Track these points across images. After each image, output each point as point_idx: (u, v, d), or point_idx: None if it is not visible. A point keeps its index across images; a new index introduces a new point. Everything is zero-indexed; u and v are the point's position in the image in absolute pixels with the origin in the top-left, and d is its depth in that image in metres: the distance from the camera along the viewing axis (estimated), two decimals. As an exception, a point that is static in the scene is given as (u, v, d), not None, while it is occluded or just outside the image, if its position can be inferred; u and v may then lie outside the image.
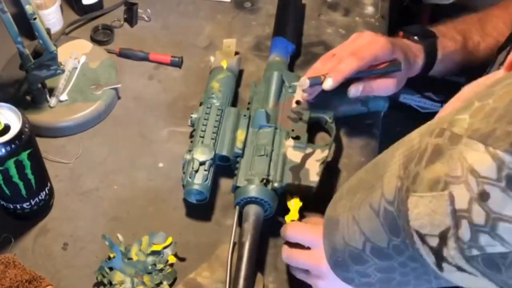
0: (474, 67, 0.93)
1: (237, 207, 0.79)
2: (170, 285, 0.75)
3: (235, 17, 1.10)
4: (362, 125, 0.94)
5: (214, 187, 0.85)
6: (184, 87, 0.99)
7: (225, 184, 0.85)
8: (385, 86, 0.84)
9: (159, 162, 0.89)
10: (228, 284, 0.73)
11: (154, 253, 0.76)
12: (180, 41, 0.95)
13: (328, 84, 0.80)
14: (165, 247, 0.77)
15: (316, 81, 0.81)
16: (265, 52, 1.03)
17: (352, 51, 0.82)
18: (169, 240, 0.77)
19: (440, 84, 1.90)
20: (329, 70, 0.81)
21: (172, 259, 0.76)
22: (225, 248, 0.78)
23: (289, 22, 1.00)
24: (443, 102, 1.86)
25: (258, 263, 0.76)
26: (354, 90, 0.83)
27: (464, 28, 0.94)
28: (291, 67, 0.98)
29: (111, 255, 0.75)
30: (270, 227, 0.78)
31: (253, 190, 0.77)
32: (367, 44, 0.82)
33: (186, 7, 1.12)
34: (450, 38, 0.91)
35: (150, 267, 0.74)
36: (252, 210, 0.77)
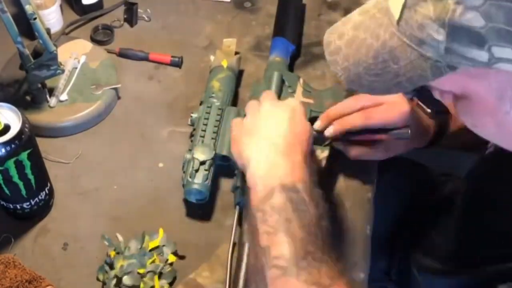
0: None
1: (237, 206, 0.79)
2: (170, 284, 0.75)
3: (235, 17, 1.10)
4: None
5: (214, 187, 0.85)
6: (184, 87, 0.99)
7: (225, 184, 0.84)
8: (373, 154, 0.83)
9: (159, 162, 0.89)
10: (228, 284, 0.73)
11: (153, 250, 0.76)
12: (180, 41, 0.95)
13: (329, 131, 0.80)
14: (163, 245, 0.77)
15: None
16: (265, 52, 1.03)
17: (367, 110, 0.79)
18: (161, 233, 0.77)
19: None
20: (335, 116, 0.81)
21: (172, 259, 0.76)
22: (225, 248, 0.78)
23: (289, 22, 1.01)
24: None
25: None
26: (329, 133, 0.81)
27: None
28: (291, 67, 0.98)
29: (111, 254, 0.74)
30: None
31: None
32: (386, 107, 0.79)
33: (186, 7, 1.12)
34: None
35: (148, 264, 0.74)
36: None
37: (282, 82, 0.90)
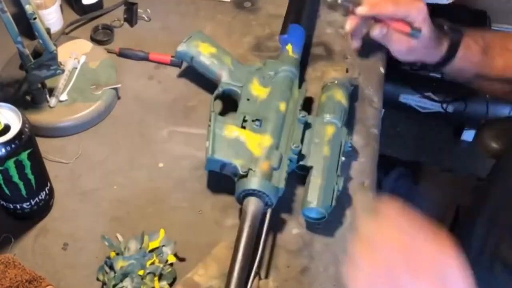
0: (486, 78, 0.94)
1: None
2: (170, 284, 0.75)
3: (235, 17, 1.10)
4: (362, 125, 0.94)
5: (214, 187, 0.85)
6: (184, 87, 0.99)
7: (225, 184, 0.84)
8: (399, 44, 0.91)
9: (159, 162, 0.89)
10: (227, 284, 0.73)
11: (153, 250, 0.76)
12: (180, 41, 0.95)
13: (361, 10, 0.89)
14: (163, 245, 0.77)
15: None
16: (265, 52, 1.04)
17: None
18: (162, 233, 0.76)
19: (440, 84, 1.90)
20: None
21: (171, 259, 0.76)
22: (220, 246, 0.78)
23: (305, 8, 1.01)
24: (443, 102, 1.87)
25: (258, 263, 0.75)
26: (379, 31, 0.90)
27: (489, 36, 0.97)
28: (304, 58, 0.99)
29: (111, 255, 0.74)
30: (270, 226, 0.78)
31: (254, 183, 0.77)
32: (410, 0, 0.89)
33: (186, 7, 1.12)
34: (474, 40, 0.94)
35: (148, 264, 0.74)
36: (251, 204, 0.77)
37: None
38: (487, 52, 0.94)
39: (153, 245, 0.76)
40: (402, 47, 0.91)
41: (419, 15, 0.88)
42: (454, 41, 0.93)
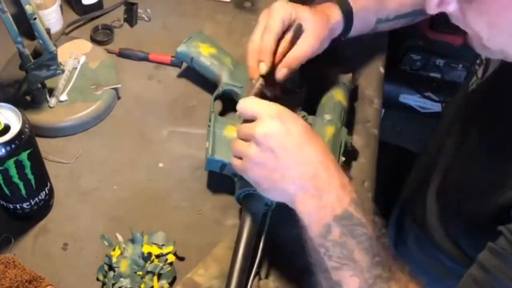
0: (385, 20, 0.92)
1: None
2: (170, 284, 0.75)
3: (235, 17, 1.10)
4: (362, 125, 0.94)
5: (214, 187, 0.85)
6: (184, 87, 0.99)
7: (225, 184, 0.84)
8: (309, 47, 0.82)
9: (159, 162, 0.89)
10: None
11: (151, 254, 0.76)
12: (180, 41, 0.95)
13: (262, 69, 0.79)
14: (163, 245, 0.77)
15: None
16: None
17: (265, 26, 0.81)
18: (170, 248, 0.76)
19: (440, 84, 1.90)
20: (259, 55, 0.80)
21: (171, 258, 0.76)
22: (220, 246, 0.78)
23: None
24: (443, 102, 1.87)
25: (258, 263, 0.75)
26: (280, 75, 0.81)
27: None
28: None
29: (112, 253, 0.74)
30: (270, 226, 0.78)
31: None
32: (272, 12, 0.81)
33: (186, 7, 1.12)
34: None
35: (147, 264, 0.74)
36: (251, 205, 0.77)
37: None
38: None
39: (155, 251, 0.75)
40: (313, 49, 0.83)
41: (287, 14, 0.81)
42: (344, 6, 0.86)
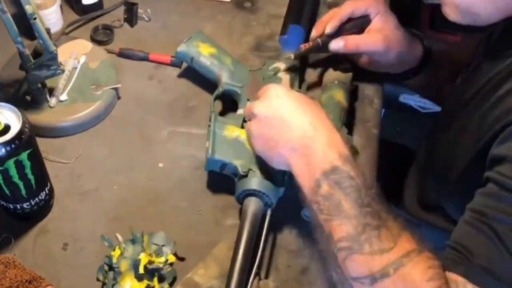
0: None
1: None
2: (170, 284, 0.75)
3: (235, 17, 1.10)
4: (362, 125, 0.94)
5: (214, 187, 0.85)
6: (184, 87, 0.99)
7: (225, 184, 0.84)
8: (372, 41, 0.89)
9: (159, 162, 0.89)
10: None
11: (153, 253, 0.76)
12: (180, 41, 0.95)
13: (328, 28, 0.88)
14: (163, 245, 0.77)
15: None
16: (265, 52, 1.04)
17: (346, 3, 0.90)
18: (171, 258, 0.76)
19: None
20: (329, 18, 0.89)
21: (171, 259, 0.76)
22: (220, 246, 0.78)
23: (305, 9, 1.01)
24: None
25: (258, 263, 0.75)
26: (335, 44, 0.88)
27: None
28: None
29: (112, 254, 0.74)
30: (270, 226, 0.78)
31: (254, 183, 0.77)
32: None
33: (186, 7, 1.12)
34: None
35: (145, 259, 0.74)
36: (251, 205, 0.77)
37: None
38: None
39: (157, 260, 0.75)
40: (376, 42, 0.89)
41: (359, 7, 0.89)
42: (428, 44, 0.92)
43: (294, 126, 0.69)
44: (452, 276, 0.62)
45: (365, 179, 0.66)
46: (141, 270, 0.72)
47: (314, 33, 0.90)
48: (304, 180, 0.67)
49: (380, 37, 0.89)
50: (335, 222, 0.63)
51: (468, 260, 0.61)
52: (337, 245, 0.63)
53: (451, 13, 0.70)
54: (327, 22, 0.88)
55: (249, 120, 0.76)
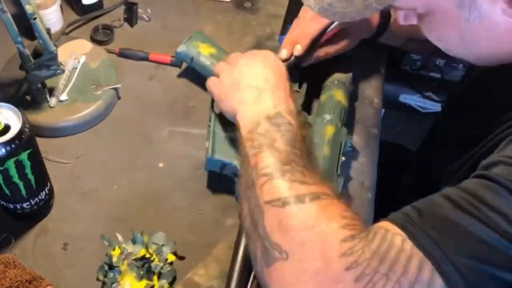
0: (416, 40, 0.94)
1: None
2: (170, 284, 0.75)
3: (235, 17, 1.10)
4: (362, 125, 0.94)
5: (214, 187, 0.85)
6: (184, 87, 0.99)
7: (225, 184, 0.84)
8: (341, 47, 0.90)
9: (159, 162, 0.89)
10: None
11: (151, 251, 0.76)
12: (180, 41, 0.95)
13: (297, 50, 0.85)
14: (163, 245, 0.77)
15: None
16: (265, 52, 1.03)
17: (314, 16, 0.85)
18: (171, 257, 0.77)
19: (440, 84, 1.90)
20: (297, 37, 0.86)
21: (171, 258, 0.76)
22: (220, 246, 0.78)
23: None
24: (443, 102, 1.87)
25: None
26: (306, 63, 0.88)
27: None
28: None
29: (112, 253, 0.74)
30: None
31: None
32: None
33: (186, 7, 1.12)
34: None
35: (147, 266, 0.74)
36: None
37: None
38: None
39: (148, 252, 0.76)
40: (344, 49, 0.90)
41: None
42: (385, 11, 0.91)
43: (256, 81, 0.73)
44: (384, 224, 0.57)
45: (305, 133, 0.68)
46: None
47: (284, 54, 0.86)
48: (246, 121, 0.69)
49: (347, 40, 0.89)
50: (264, 153, 0.64)
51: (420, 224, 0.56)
52: (260, 172, 0.63)
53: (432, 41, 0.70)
54: (296, 42, 0.85)
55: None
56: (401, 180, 1.09)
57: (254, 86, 0.72)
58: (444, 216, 0.56)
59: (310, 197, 0.59)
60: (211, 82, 0.79)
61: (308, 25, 0.85)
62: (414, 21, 0.68)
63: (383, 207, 0.90)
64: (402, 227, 0.56)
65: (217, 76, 0.79)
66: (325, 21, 0.84)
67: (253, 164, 0.64)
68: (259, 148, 0.65)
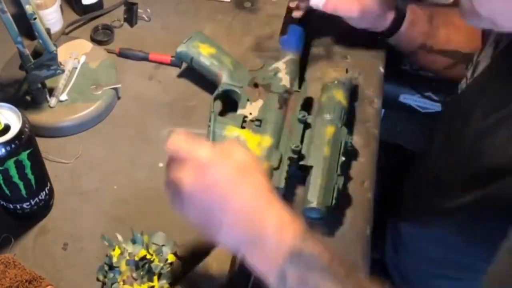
0: (429, 50, 0.95)
1: None
2: (170, 284, 0.75)
3: (235, 17, 1.10)
4: (362, 125, 0.94)
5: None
6: (184, 87, 0.99)
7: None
8: (349, 8, 0.91)
9: (159, 162, 0.89)
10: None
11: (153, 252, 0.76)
12: (180, 41, 0.95)
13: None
14: (163, 245, 0.77)
15: None
16: (265, 52, 1.03)
17: None
18: (171, 257, 0.76)
19: (440, 84, 1.90)
20: None
21: (171, 258, 0.76)
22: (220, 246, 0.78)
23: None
24: (443, 102, 1.87)
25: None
26: (315, 1, 0.90)
27: (432, 7, 0.98)
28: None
29: (112, 253, 0.74)
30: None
31: None
32: None
33: (186, 7, 1.12)
34: (420, 8, 0.95)
35: (147, 266, 0.74)
36: None
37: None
38: (432, 22, 0.94)
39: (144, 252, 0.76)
40: (351, 9, 0.91)
41: None
42: (401, 8, 0.92)
43: (234, 214, 0.57)
44: None
45: (329, 251, 0.57)
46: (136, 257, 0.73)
47: None
48: (264, 272, 0.57)
49: (357, 5, 0.90)
50: None
51: None
52: None
53: (471, 18, 0.68)
54: None
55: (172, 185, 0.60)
56: (402, 180, 1.09)
57: (241, 215, 0.57)
58: None
59: None
60: (172, 193, 0.61)
61: None
62: None
63: (383, 207, 0.91)
64: None
65: (174, 181, 0.59)
66: None
67: None
68: None
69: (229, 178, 0.57)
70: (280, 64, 0.92)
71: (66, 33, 1.05)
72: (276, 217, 0.57)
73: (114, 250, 0.75)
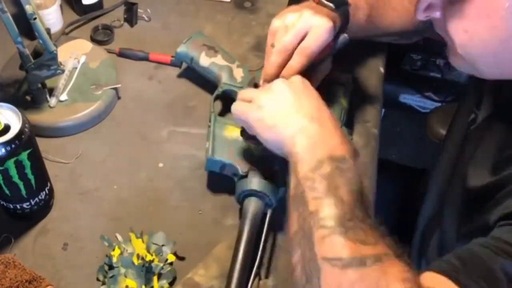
0: (373, 36, 0.92)
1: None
2: (170, 284, 0.75)
3: (235, 17, 1.10)
4: (362, 125, 0.94)
5: (214, 187, 0.85)
6: (184, 87, 0.99)
7: (225, 184, 0.84)
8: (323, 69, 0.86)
9: (159, 162, 0.89)
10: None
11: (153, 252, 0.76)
12: (180, 41, 0.95)
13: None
14: (163, 245, 0.77)
15: None
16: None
17: (300, 47, 0.77)
18: (171, 257, 0.76)
19: (440, 84, 1.91)
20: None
21: (171, 258, 0.76)
22: (220, 246, 0.78)
23: None
24: (443, 102, 1.87)
25: (258, 263, 0.75)
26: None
27: None
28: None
29: (112, 253, 0.74)
30: (270, 226, 0.78)
31: (254, 183, 0.77)
32: (313, 33, 0.77)
33: (186, 7, 1.12)
34: (358, 6, 0.85)
35: (148, 265, 0.74)
36: (251, 205, 0.77)
37: None
38: (371, 15, 0.87)
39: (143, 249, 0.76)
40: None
41: (329, 35, 0.77)
42: (344, 16, 0.82)
43: (307, 104, 0.69)
44: (437, 278, 0.58)
45: (365, 184, 0.65)
46: (134, 261, 0.73)
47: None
48: (306, 156, 0.65)
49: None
50: (327, 201, 0.61)
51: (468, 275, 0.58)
52: (320, 222, 0.60)
53: (455, 61, 0.68)
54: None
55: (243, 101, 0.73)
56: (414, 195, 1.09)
57: (314, 116, 0.68)
58: (489, 267, 0.57)
59: (372, 260, 0.57)
60: (240, 107, 0.73)
61: (293, 60, 0.77)
62: (437, 13, 0.64)
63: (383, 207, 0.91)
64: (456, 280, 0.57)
65: (246, 101, 0.73)
66: (311, 51, 0.77)
67: (313, 210, 0.61)
68: (321, 193, 0.62)
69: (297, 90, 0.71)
70: None
71: (66, 33, 1.05)
72: (337, 127, 0.68)
73: (114, 250, 0.75)
